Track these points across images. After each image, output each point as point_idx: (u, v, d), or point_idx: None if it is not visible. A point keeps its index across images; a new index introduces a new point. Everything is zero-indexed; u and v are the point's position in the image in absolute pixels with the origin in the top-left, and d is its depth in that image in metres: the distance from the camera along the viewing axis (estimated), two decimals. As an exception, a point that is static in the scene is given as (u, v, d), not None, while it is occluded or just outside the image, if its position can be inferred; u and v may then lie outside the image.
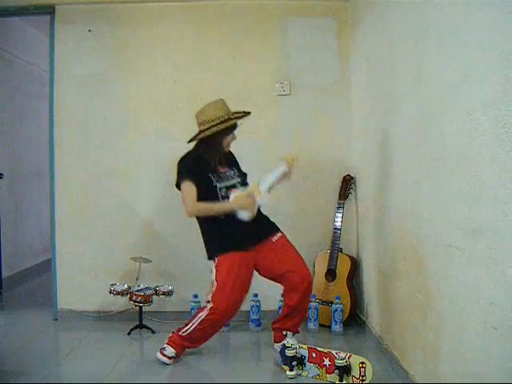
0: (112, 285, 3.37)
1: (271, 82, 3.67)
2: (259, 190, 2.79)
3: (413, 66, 2.38)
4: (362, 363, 2.49)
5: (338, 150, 3.70)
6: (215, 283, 2.76)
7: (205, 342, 2.91)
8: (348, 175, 3.60)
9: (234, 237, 2.79)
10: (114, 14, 3.67)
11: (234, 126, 2.84)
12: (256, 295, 3.41)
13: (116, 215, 3.69)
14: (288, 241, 2.92)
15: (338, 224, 3.52)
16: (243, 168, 3.03)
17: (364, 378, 2.48)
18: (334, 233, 3.52)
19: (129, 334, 3.31)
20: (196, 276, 3.33)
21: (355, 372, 2.51)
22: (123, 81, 3.68)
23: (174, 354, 2.83)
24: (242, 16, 3.66)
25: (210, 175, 2.81)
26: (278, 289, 3.56)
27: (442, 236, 2.05)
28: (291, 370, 2.64)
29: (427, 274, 2.22)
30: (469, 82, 1.80)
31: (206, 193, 2.78)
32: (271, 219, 2.97)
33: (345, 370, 2.50)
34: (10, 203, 4.80)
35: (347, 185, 3.58)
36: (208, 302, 2.77)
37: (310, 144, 3.65)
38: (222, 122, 2.76)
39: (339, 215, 3.53)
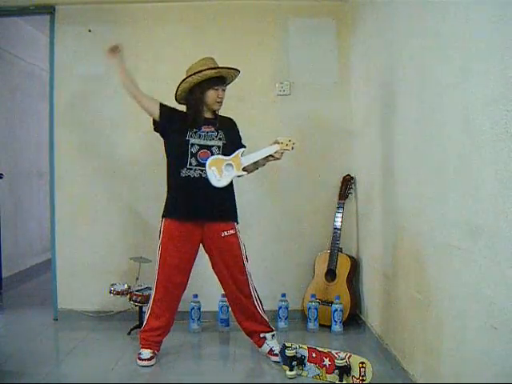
0: (112, 285, 3.36)
1: (271, 82, 3.67)
2: (240, 163, 2.75)
3: (412, 66, 2.39)
4: (362, 363, 2.49)
5: (338, 149, 3.70)
6: (159, 245, 2.85)
7: (170, 323, 2.91)
8: (348, 175, 3.60)
9: (185, 204, 2.80)
10: (114, 14, 3.66)
11: (216, 82, 2.81)
12: (256, 295, 3.41)
13: (116, 215, 3.69)
14: (236, 242, 2.88)
15: (338, 224, 3.52)
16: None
17: (364, 378, 2.47)
18: (334, 233, 3.52)
19: (129, 333, 3.31)
20: (196, 276, 3.31)
21: (355, 372, 2.50)
22: (123, 81, 3.67)
23: (151, 355, 2.83)
24: (241, 16, 3.66)
25: (189, 130, 2.80)
26: (277, 289, 3.57)
27: (442, 236, 2.05)
28: (291, 369, 2.64)
29: (427, 274, 2.22)
30: (469, 82, 1.80)
31: (177, 145, 2.81)
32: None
33: (345, 370, 2.50)
34: (10, 203, 4.80)
35: (347, 185, 3.58)
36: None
37: (309, 144, 3.65)
38: (195, 73, 2.77)
39: (339, 215, 3.53)
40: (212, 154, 2.78)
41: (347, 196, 3.58)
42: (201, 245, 2.91)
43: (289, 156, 3.17)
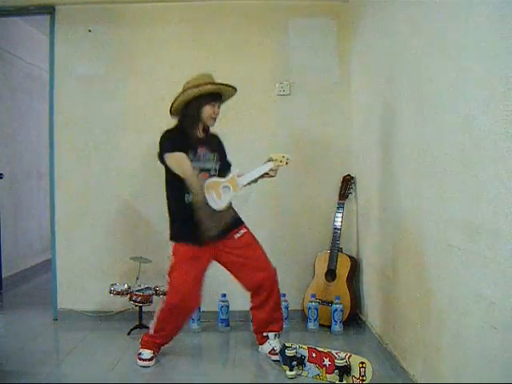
0: (112, 285, 3.37)
1: (271, 82, 3.67)
2: (237, 183, 2.73)
3: (412, 66, 2.39)
4: (362, 363, 2.49)
5: (338, 149, 3.70)
6: (171, 266, 2.84)
7: (175, 334, 2.93)
8: (348, 175, 3.60)
9: (194, 229, 2.72)
10: (114, 14, 3.67)
11: (214, 98, 2.80)
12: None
13: (116, 215, 3.69)
14: (251, 237, 2.91)
15: (338, 224, 3.52)
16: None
17: (364, 378, 2.48)
18: (334, 233, 3.52)
19: (129, 333, 3.31)
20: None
21: (355, 372, 2.51)
22: (123, 81, 3.67)
23: (151, 355, 2.84)
24: (241, 16, 3.66)
25: (189, 152, 2.76)
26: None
27: (442, 236, 2.05)
28: (291, 370, 2.64)
29: (427, 274, 2.22)
30: (469, 82, 1.80)
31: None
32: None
33: (345, 370, 2.50)
34: (10, 203, 4.80)
35: (347, 185, 3.58)
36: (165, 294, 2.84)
37: (309, 144, 3.65)
38: (194, 87, 2.76)
39: (339, 215, 3.53)
40: (210, 176, 2.77)
41: (347, 196, 3.58)
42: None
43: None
